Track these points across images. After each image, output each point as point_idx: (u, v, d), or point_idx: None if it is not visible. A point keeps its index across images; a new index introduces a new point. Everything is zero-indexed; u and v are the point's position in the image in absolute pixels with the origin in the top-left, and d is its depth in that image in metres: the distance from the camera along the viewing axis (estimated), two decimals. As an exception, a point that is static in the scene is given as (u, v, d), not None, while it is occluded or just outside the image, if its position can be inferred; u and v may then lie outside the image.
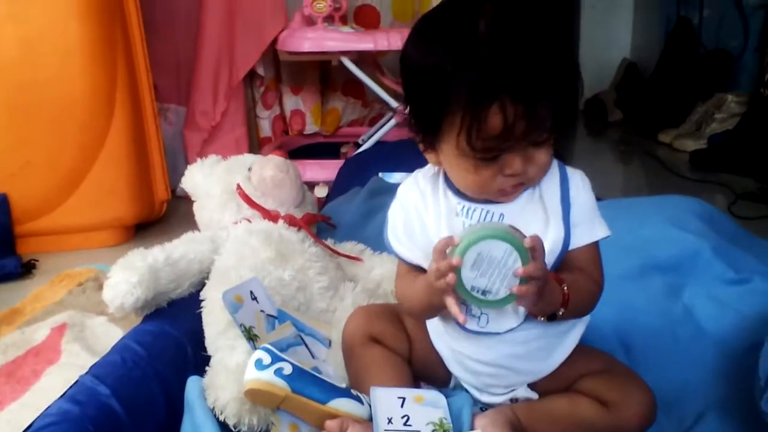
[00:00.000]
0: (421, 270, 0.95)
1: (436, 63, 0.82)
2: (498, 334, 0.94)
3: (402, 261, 0.99)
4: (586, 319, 1.01)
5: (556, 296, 0.87)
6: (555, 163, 0.93)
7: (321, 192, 2.14)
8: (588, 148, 3.48)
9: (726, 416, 1.01)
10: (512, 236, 0.80)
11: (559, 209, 0.91)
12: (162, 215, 2.17)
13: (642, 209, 1.46)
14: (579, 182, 0.93)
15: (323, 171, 2.21)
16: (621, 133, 3.58)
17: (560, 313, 0.88)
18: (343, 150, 2.58)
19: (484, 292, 0.82)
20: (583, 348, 1.02)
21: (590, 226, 0.93)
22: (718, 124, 2.95)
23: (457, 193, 0.94)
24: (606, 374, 0.99)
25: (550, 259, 0.90)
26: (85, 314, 1.42)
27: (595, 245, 0.94)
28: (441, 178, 0.96)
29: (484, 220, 0.92)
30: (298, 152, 2.61)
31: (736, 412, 1.01)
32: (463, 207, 0.93)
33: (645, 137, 3.28)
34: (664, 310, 1.23)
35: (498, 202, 0.92)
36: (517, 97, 0.79)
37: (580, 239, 0.92)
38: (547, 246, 0.90)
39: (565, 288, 0.87)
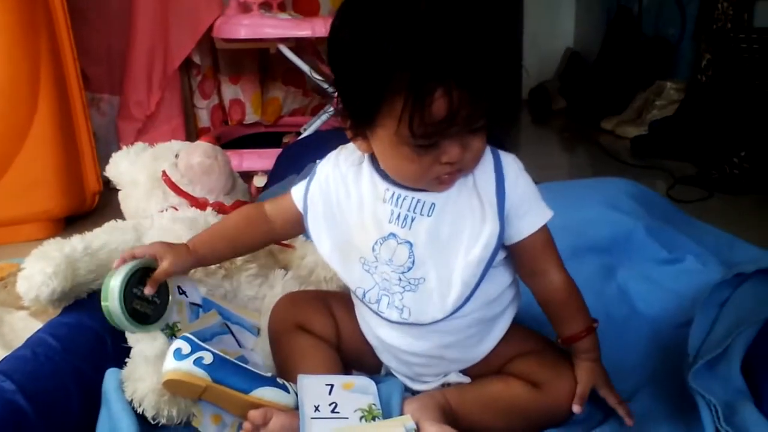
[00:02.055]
0: None
1: (374, 44, 0.77)
2: (423, 325, 0.92)
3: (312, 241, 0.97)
4: (516, 303, 1.00)
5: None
6: (488, 149, 0.90)
7: (260, 182, 2.10)
8: (532, 136, 3.51)
9: (658, 393, 1.02)
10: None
11: (495, 201, 0.88)
12: (94, 207, 2.10)
13: (578, 192, 1.46)
14: (514, 168, 0.91)
15: (261, 160, 2.17)
16: (565, 120, 3.61)
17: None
18: (285, 140, 2.53)
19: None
20: (515, 329, 1.01)
21: (536, 212, 0.91)
22: (658, 111, 3.00)
23: (386, 177, 0.91)
24: (537, 355, 0.98)
25: (485, 254, 0.88)
26: (4, 309, 1.36)
27: (544, 228, 0.92)
28: (366, 161, 0.93)
29: (414, 209, 0.90)
30: (239, 142, 2.56)
31: (667, 389, 1.02)
32: (393, 194, 0.90)
33: (588, 124, 3.32)
34: (598, 291, 1.23)
35: (428, 192, 0.89)
36: (461, 81, 0.76)
37: (527, 228, 0.90)
38: (482, 240, 0.88)
39: (594, 324, 0.96)
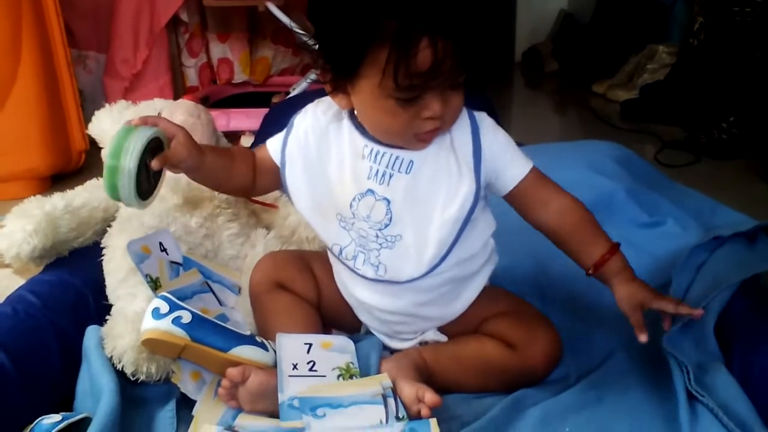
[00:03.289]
0: None
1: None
2: (398, 283, 0.93)
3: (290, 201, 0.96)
4: (494, 260, 1.01)
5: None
6: (463, 109, 0.91)
7: (247, 141, 2.09)
8: (525, 98, 3.49)
9: (631, 356, 1.03)
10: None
11: (471, 161, 0.89)
12: (81, 166, 2.09)
13: (561, 154, 1.46)
14: (489, 126, 0.91)
15: (249, 120, 2.15)
16: (556, 83, 3.59)
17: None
18: (274, 100, 2.51)
19: None
20: (492, 290, 1.02)
21: (518, 161, 0.92)
22: (650, 75, 2.98)
23: (365, 133, 0.91)
24: (512, 315, 0.99)
25: (461, 213, 0.89)
26: (-12, 267, 1.36)
27: (535, 172, 0.92)
28: (346, 117, 0.93)
29: (392, 166, 0.90)
30: (228, 102, 2.54)
31: (640, 352, 1.02)
32: (371, 150, 0.90)
33: (579, 87, 3.29)
34: (577, 254, 1.23)
35: (406, 149, 0.89)
36: (447, 31, 0.76)
37: (515, 176, 0.91)
38: (459, 199, 0.88)
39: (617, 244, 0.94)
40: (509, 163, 0.91)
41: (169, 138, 0.89)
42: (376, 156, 0.90)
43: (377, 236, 0.91)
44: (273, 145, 0.97)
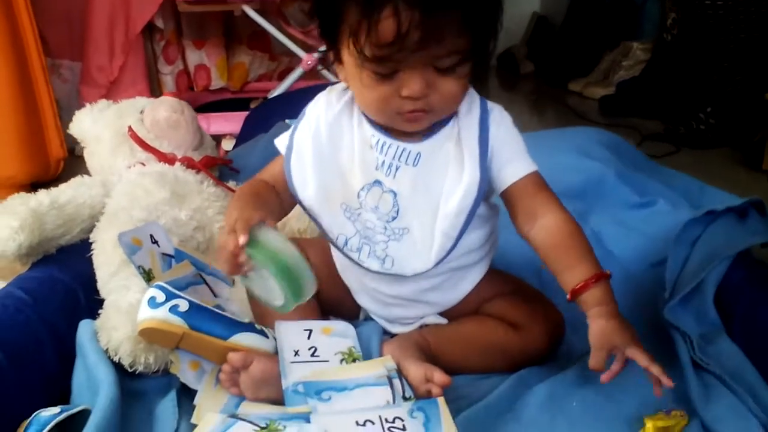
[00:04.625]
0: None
1: None
2: (404, 276, 0.91)
3: (296, 197, 0.92)
4: (495, 247, 1.00)
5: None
6: (477, 99, 0.90)
7: (228, 145, 2.06)
8: (501, 101, 3.40)
9: (634, 330, 1.02)
10: (293, 287, 0.79)
11: (477, 151, 0.87)
12: (59, 174, 2.05)
13: (549, 141, 1.47)
14: (498, 118, 0.90)
15: (229, 124, 2.13)
16: (533, 84, 3.61)
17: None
18: (253, 105, 2.50)
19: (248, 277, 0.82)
20: (491, 272, 1.01)
21: (523, 160, 0.89)
22: (625, 71, 3.01)
23: (373, 124, 0.89)
24: (513, 296, 0.99)
25: (465, 203, 0.87)
26: (-30, 272, 1.32)
27: (535, 177, 0.89)
28: (356, 105, 0.91)
29: (399, 157, 0.88)
30: (205, 108, 2.51)
31: (641, 327, 1.00)
32: (378, 141, 0.89)
33: (556, 87, 3.32)
34: (572, 236, 1.23)
35: (414, 141, 0.88)
36: (411, 2, 0.74)
37: (514, 173, 0.88)
38: (461, 189, 0.87)
39: (606, 271, 0.85)
40: (512, 157, 0.89)
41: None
42: (383, 147, 0.89)
43: (385, 228, 0.89)
44: (281, 140, 0.95)
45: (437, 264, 0.90)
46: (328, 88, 0.95)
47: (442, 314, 0.99)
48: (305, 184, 0.91)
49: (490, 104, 0.91)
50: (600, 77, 3.16)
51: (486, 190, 0.88)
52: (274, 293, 0.80)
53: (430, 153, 0.88)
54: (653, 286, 1.08)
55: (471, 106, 0.89)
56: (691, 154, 2.20)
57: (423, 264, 0.90)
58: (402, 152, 0.88)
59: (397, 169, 0.88)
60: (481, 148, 0.87)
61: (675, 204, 1.28)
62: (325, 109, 0.92)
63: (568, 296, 0.85)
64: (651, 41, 2.98)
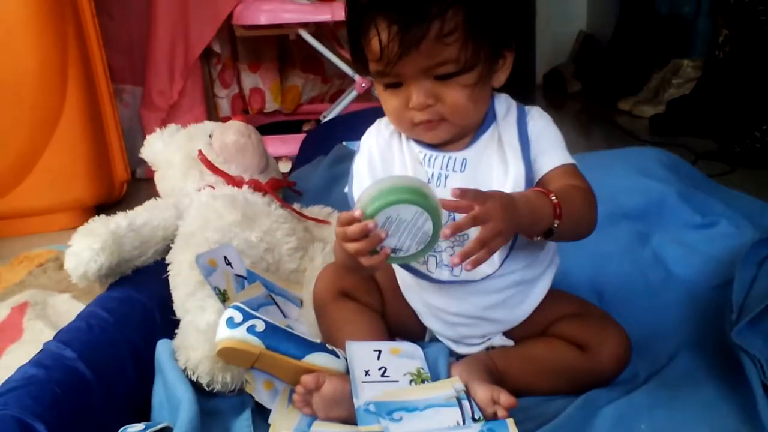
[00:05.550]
0: None
1: None
2: (473, 282, 0.93)
3: None
4: (556, 262, 1.01)
5: (540, 211, 0.83)
6: (513, 103, 0.94)
7: (284, 167, 2.11)
8: (549, 120, 3.50)
9: (697, 354, 1.02)
10: (419, 196, 0.77)
11: (518, 146, 0.91)
12: (122, 196, 2.13)
13: (606, 161, 1.47)
14: (536, 115, 0.94)
15: (285, 146, 2.18)
16: (581, 103, 3.60)
17: (555, 224, 0.84)
18: (305, 128, 2.55)
19: (394, 250, 0.80)
20: (555, 293, 1.01)
21: (559, 152, 0.92)
22: (676, 90, 2.99)
23: (420, 141, 0.93)
24: (580, 317, 0.99)
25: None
26: (48, 292, 1.38)
27: (571, 167, 0.92)
28: None
29: (447, 167, 0.91)
30: (259, 131, 2.56)
31: (706, 350, 1.02)
32: (425, 155, 0.93)
33: (605, 106, 3.30)
34: (634, 257, 1.24)
35: (458, 150, 0.91)
36: (391, 17, 0.81)
37: (550, 163, 0.91)
38: (509, 184, 0.89)
39: (553, 198, 0.83)
40: (548, 149, 0.91)
41: None
42: (430, 160, 0.92)
43: None
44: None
45: (502, 264, 0.91)
46: (379, 120, 0.99)
47: (508, 335, 1.00)
48: None
49: (528, 106, 0.95)
50: (650, 96, 3.14)
51: (533, 180, 0.90)
52: (418, 224, 0.78)
53: (475, 157, 0.91)
54: (719, 308, 1.07)
55: (509, 109, 0.94)
56: (746, 173, 2.17)
57: (490, 267, 0.91)
58: (448, 161, 0.92)
59: (446, 177, 0.92)
60: (521, 142, 0.91)
61: (737, 225, 1.28)
62: (375, 137, 0.97)
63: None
64: (702, 58, 2.95)
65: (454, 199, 0.77)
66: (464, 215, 0.77)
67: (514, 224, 0.80)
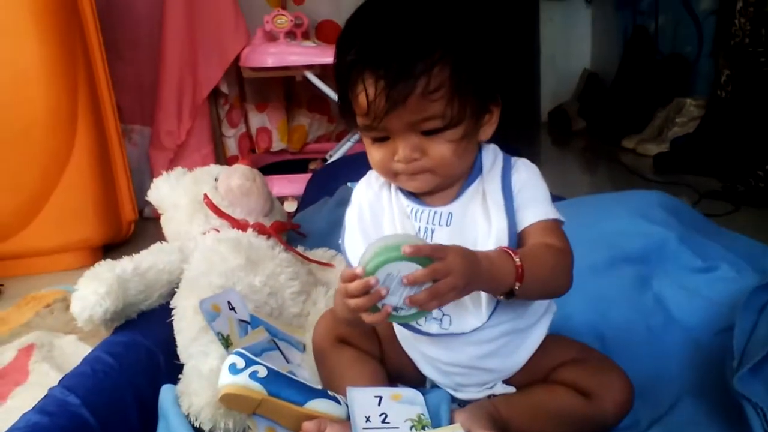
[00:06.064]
0: None
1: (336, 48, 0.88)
2: (463, 334, 0.94)
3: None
4: (553, 310, 1.01)
5: (502, 272, 0.82)
6: (500, 155, 0.95)
7: (290, 207, 2.13)
8: (553, 157, 3.53)
9: (700, 401, 1.02)
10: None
11: (501, 200, 0.91)
12: (130, 236, 2.15)
13: (607, 204, 1.48)
14: (521, 168, 0.93)
15: (291, 185, 2.21)
16: (585, 141, 3.63)
17: (517, 287, 0.83)
18: (311, 166, 2.58)
19: (395, 308, 0.80)
20: (556, 338, 1.02)
21: (541, 206, 0.91)
22: (679, 128, 3.01)
23: (408, 195, 0.94)
24: (582, 363, 0.99)
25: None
26: (54, 334, 1.39)
27: (553, 223, 0.91)
28: None
29: (433, 221, 0.92)
30: (266, 170, 2.59)
31: (708, 396, 1.02)
32: (412, 209, 0.94)
33: (609, 144, 3.33)
34: (635, 301, 1.24)
35: (444, 204, 0.92)
36: (378, 73, 0.81)
37: (529, 217, 0.90)
38: (492, 239, 0.89)
39: (517, 259, 0.83)
40: (530, 203, 0.91)
41: None
42: (417, 214, 0.93)
43: None
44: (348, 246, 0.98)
45: (490, 316, 0.91)
46: (369, 172, 1.00)
47: (508, 382, 1.00)
48: (357, 257, 0.95)
49: (515, 158, 0.94)
50: (654, 134, 3.16)
51: (517, 234, 0.90)
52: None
53: (460, 211, 0.92)
54: (720, 354, 1.07)
55: (494, 161, 0.94)
56: (750, 213, 2.18)
57: (478, 319, 0.92)
58: (434, 215, 0.92)
59: (432, 231, 0.92)
60: (505, 195, 0.91)
61: (738, 269, 1.28)
62: (365, 190, 0.98)
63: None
64: (705, 97, 2.98)
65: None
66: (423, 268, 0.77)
67: (473, 282, 0.80)
